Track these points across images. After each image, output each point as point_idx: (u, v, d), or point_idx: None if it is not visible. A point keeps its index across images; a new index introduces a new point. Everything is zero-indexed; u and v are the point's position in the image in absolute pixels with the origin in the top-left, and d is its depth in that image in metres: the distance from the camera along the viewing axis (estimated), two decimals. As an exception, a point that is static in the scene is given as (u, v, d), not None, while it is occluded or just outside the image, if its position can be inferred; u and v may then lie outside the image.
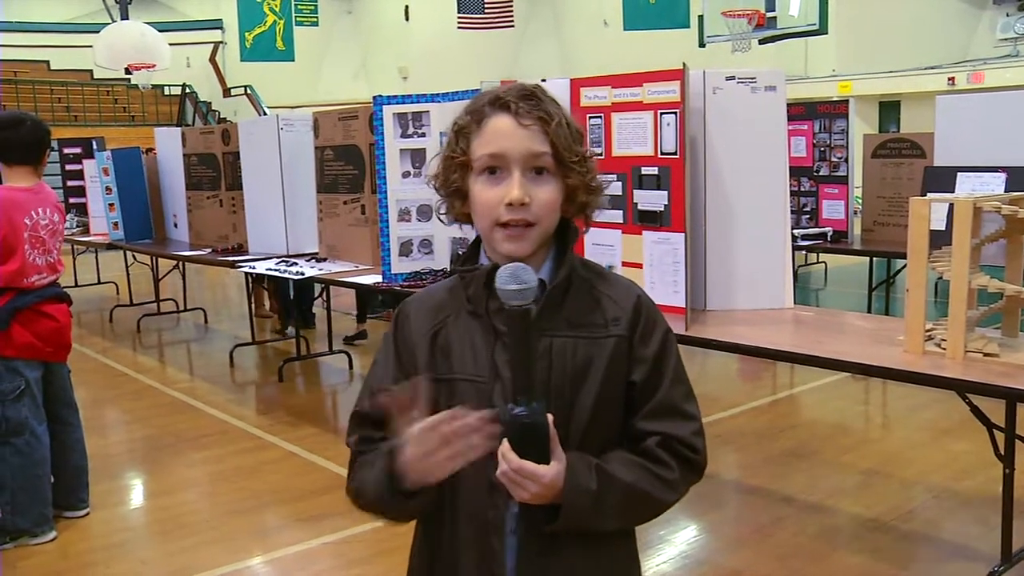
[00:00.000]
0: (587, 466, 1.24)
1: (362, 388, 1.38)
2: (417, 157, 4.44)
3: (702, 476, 1.34)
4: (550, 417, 1.19)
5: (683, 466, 1.30)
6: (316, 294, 7.34)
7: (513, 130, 1.25)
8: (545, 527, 1.24)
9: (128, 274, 9.27)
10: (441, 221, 1.37)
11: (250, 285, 7.27)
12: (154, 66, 16.44)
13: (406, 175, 4.44)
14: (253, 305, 7.65)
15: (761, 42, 11.61)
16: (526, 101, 1.26)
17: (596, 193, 1.32)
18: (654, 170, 3.26)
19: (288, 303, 7.02)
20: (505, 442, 1.18)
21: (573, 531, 1.24)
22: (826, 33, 11.45)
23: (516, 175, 1.25)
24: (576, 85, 3.48)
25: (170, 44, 17.06)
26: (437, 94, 4.44)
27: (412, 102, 4.44)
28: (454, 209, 1.33)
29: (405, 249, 4.47)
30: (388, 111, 4.40)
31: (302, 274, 5.05)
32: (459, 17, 16.64)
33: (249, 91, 21.12)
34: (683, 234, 3.21)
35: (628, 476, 1.26)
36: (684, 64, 3.15)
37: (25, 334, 3.50)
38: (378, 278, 4.59)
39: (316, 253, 5.59)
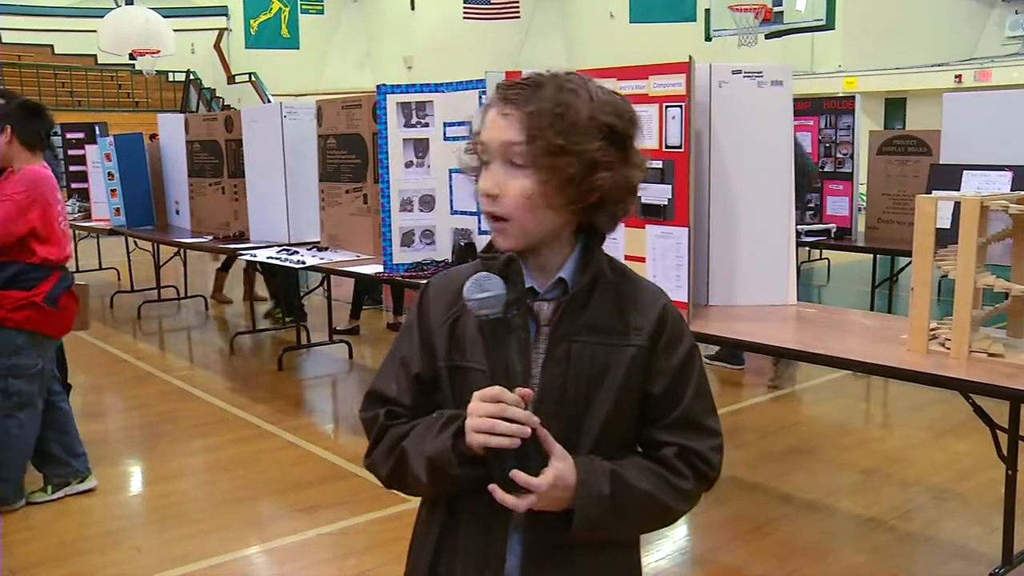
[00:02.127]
0: (601, 472, 1.21)
1: (385, 366, 1.35)
2: (420, 147, 4.42)
3: (711, 488, 1.32)
4: (536, 419, 1.16)
5: (697, 477, 1.28)
6: (317, 284, 7.30)
7: (494, 120, 1.22)
8: (560, 536, 1.21)
9: (129, 260, 9.25)
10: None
11: (252, 272, 7.26)
12: (158, 52, 16.41)
13: (409, 165, 4.43)
14: (246, 288, 7.63)
15: (767, 37, 11.55)
16: (517, 89, 1.21)
17: (595, 191, 1.20)
18: (658, 164, 3.24)
19: (286, 292, 6.98)
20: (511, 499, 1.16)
21: (588, 539, 1.22)
22: (833, 29, 11.38)
23: (492, 166, 1.22)
24: (581, 77, 3.44)
25: (175, 30, 17.03)
26: (441, 84, 4.42)
27: (416, 92, 4.42)
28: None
29: (407, 239, 4.45)
30: (392, 100, 4.39)
31: (303, 263, 5.04)
32: (465, 7, 16.61)
33: (253, 78, 21.09)
34: (686, 228, 3.18)
35: (644, 483, 1.24)
36: (690, 57, 3.13)
37: (62, 314, 3.64)
38: (379, 268, 4.57)
39: (318, 242, 5.58)
